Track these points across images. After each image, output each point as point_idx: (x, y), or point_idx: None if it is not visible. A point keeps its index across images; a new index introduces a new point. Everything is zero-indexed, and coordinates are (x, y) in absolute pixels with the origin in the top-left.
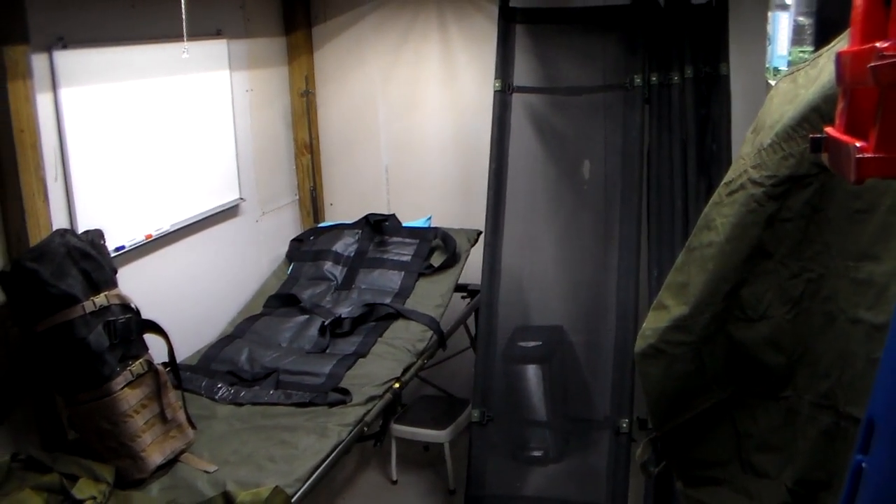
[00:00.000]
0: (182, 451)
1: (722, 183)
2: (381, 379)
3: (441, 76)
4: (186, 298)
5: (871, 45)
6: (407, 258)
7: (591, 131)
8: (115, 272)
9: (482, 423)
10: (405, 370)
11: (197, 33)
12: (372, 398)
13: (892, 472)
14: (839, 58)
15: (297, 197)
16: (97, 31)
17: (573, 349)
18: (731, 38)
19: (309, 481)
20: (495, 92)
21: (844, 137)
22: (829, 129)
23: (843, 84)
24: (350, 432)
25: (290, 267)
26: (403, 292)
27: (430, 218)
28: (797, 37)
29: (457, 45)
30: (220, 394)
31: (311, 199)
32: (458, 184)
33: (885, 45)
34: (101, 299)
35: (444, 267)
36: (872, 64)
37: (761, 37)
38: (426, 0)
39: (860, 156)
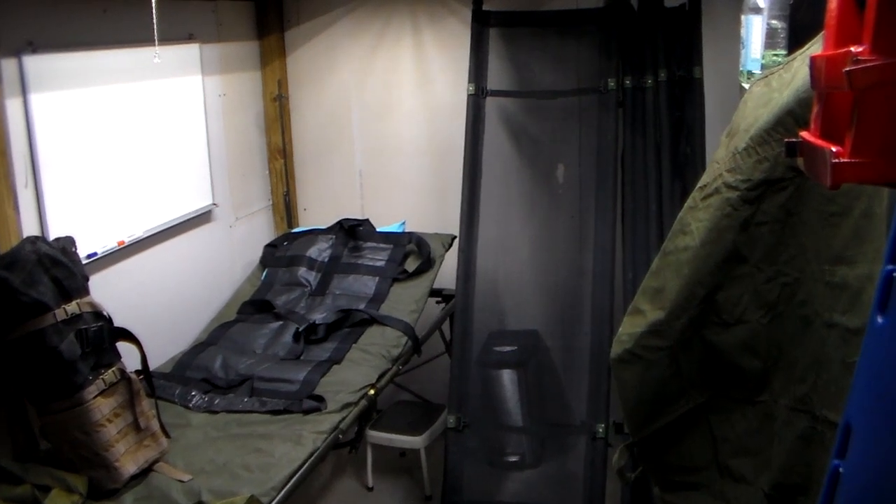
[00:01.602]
0: (156, 461)
1: (697, 187)
2: (356, 385)
3: (415, 80)
4: (160, 305)
5: (845, 49)
6: (381, 263)
7: (565, 135)
8: (87, 279)
9: (458, 429)
10: (380, 376)
11: (169, 38)
12: (347, 405)
13: (869, 477)
14: (813, 62)
15: (271, 202)
16: (67, 35)
17: (549, 354)
18: (705, 41)
19: (284, 490)
20: (469, 96)
21: (820, 142)
22: (804, 134)
23: (817, 88)
24: (325, 440)
25: (264, 273)
26: (378, 298)
27: (404, 223)
28: (770, 40)
29: (430, 49)
30: (194, 402)
31: (285, 204)
32: (433, 188)
33: (860, 49)
34: (72, 307)
35: (418, 272)
36: (847, 68)
37: (734, 40)
38: (399, 4)
39: (836, 160)
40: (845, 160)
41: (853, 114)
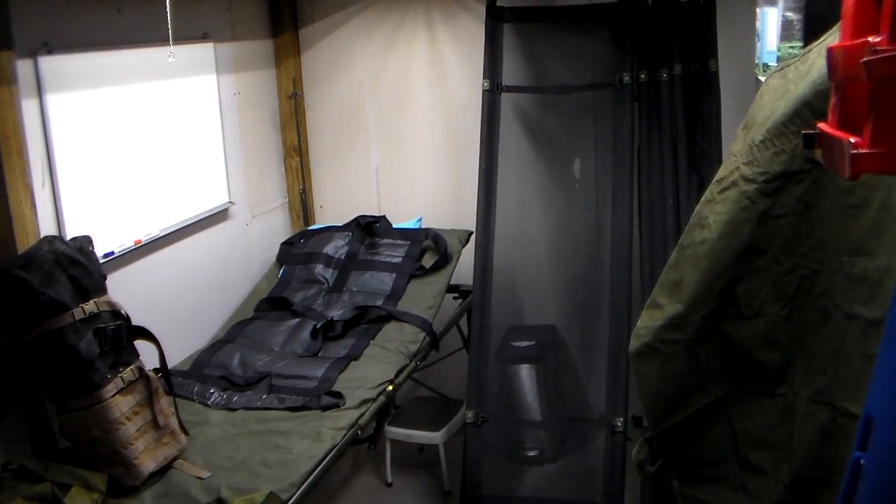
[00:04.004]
0: (175, 458)
1: (714, 180)
2: (375, 381)
3: (429, 77)
4: (177, 303)
5: (863, 39)
6: (398, 260)
7: (581, 130)
8: (105, 278)
9: (477, 424)
10: (398, 372)
11: (183, 37)
12: (365, 401)
13: (892, 469)
14: (831, 53)
15: (287, 200)
16: (82, 35)
17: (567, 348)
18: (720, 34)
19: (304, 486)
20: (484, 92)
21: (838, 133)
22: (822, 125)
23: (835, 79)
24: (344, 436)
25: (281, 270)
26: (395, 294)
27: (420, 219)
28: (786, 32)
29: (445, 46)
30: (212, 399)
31: (301, 201)
32: (449, 184)
33: (878, 39)
34: (90, 306)
35: (435, 268)
36: (865, 59)
37: (750, 33)
38: (413, 1)
39: (855, 151)
40: (864, 151)
41: (872, 104)
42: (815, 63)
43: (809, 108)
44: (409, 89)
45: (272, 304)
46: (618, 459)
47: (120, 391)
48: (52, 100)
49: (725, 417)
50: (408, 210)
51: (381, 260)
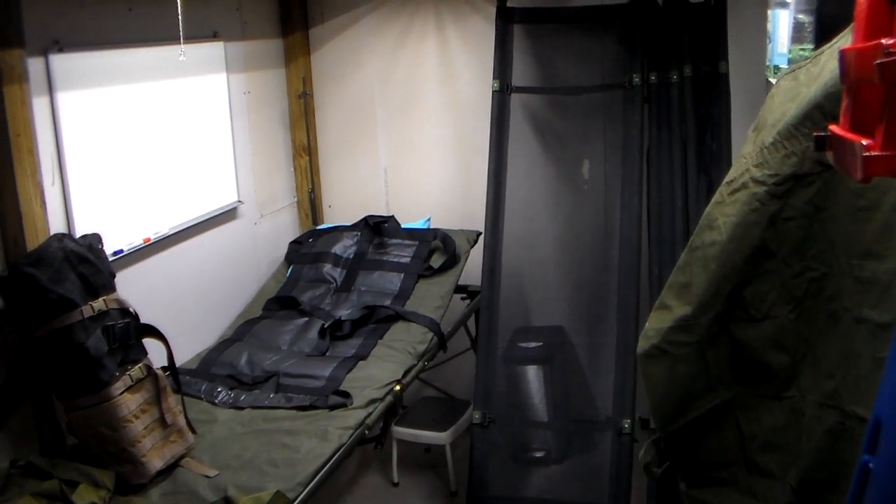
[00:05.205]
0: (182, 456)
1: (724, 182)
2: (382, 381)
3: (439, 77)
4: (185, 302)
5: (876, 41)
6: (406, 260)
7: (590, 131)
8: (114, 276)
9: (483, 425)
10: (406, 372)
11: (193, 36)
12: (373, 401)
13: None
14: (843, 55)
15: (296, 199)
16: (93, 34)
17: (574, 350)
18: (731, 36)
19: (311, 485)
20: (494, 92)
21: (850, 135)
22: (833, 127)
23: (847, 81)
24: (351, 435)
25: (290, 269)
26: (403, 294)
27: (429, 219)
28: (797, 34)
29: (454, 46)
30: (220, 398)
31: (310, 201)
32: (457, 185)
33: (891, 41)
34: (99, 304)
35: (443, 268)
36: (879, 61)
37: (761, 35)
38: (423, 1)
39: (867, 154)
40: (876, 153)
41: (884, 107)
42: (826, 65)
43: (820, 111)
44: (419, 89)
45: (280, 303)
46: (624, 461)
47: (128, 389)
48: (62, 98)
49: (733, 420)
50: (416, 210)
51: (389, 260)
